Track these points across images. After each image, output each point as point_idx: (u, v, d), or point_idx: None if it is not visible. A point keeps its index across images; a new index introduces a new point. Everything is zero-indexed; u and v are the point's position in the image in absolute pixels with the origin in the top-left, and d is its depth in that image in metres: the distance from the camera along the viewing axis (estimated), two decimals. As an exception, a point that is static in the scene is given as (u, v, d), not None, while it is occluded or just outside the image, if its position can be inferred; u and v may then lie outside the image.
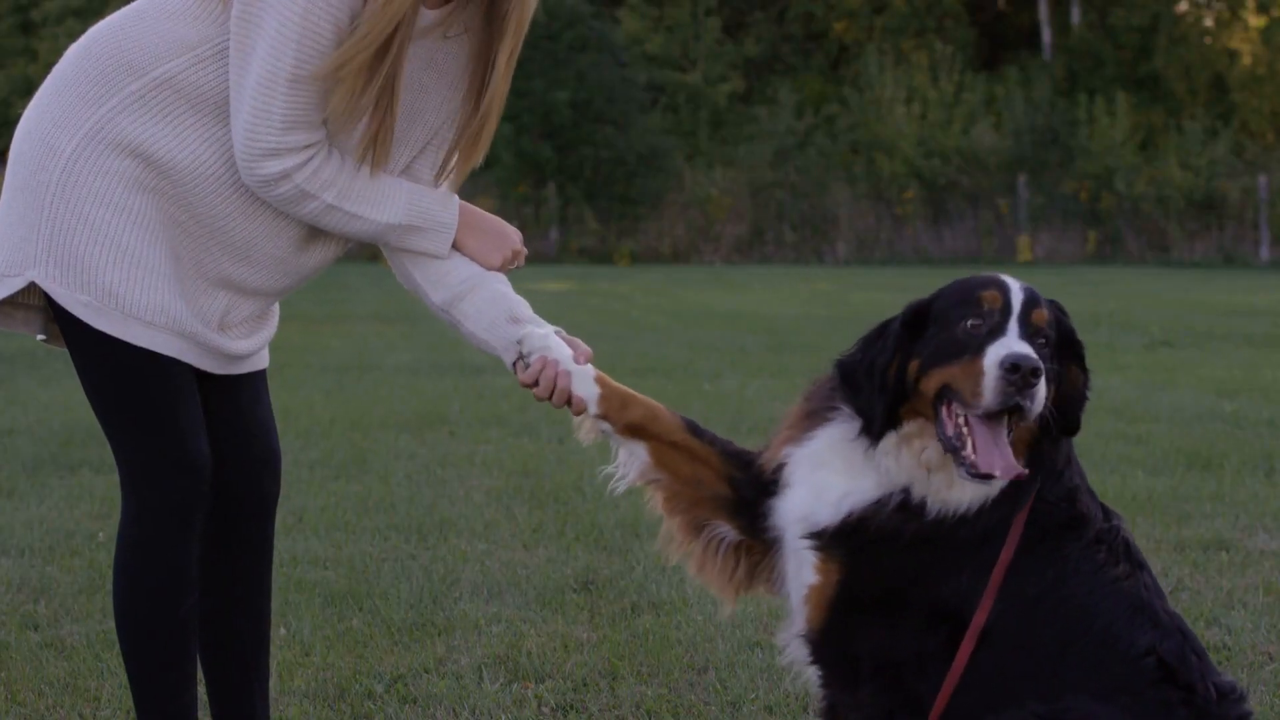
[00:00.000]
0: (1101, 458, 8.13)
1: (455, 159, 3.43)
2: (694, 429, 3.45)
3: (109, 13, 3.33)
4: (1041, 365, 3.00)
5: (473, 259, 3.43)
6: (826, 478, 3.23)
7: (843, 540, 3.16)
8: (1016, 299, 3.12)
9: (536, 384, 3.35)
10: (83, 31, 3.33)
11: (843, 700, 3.17)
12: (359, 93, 3.15)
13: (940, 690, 3.07)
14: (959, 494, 3.11)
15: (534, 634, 5.03)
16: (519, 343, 3.37)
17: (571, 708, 4.37)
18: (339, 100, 3.16)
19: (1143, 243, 36.13)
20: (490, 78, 3.35)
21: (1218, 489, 7.31)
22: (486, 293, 3.42)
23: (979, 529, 3.11)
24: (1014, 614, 3.07)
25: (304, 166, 3.18)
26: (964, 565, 3.10)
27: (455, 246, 3.41)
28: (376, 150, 3.26)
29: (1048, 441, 3.15)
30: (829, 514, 3.19)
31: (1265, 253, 35.09)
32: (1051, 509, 3.13)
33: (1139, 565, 3.16)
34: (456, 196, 3.43)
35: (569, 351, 3.37)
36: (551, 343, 3.36)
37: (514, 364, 3.41)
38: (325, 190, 3.22)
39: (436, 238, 3.38)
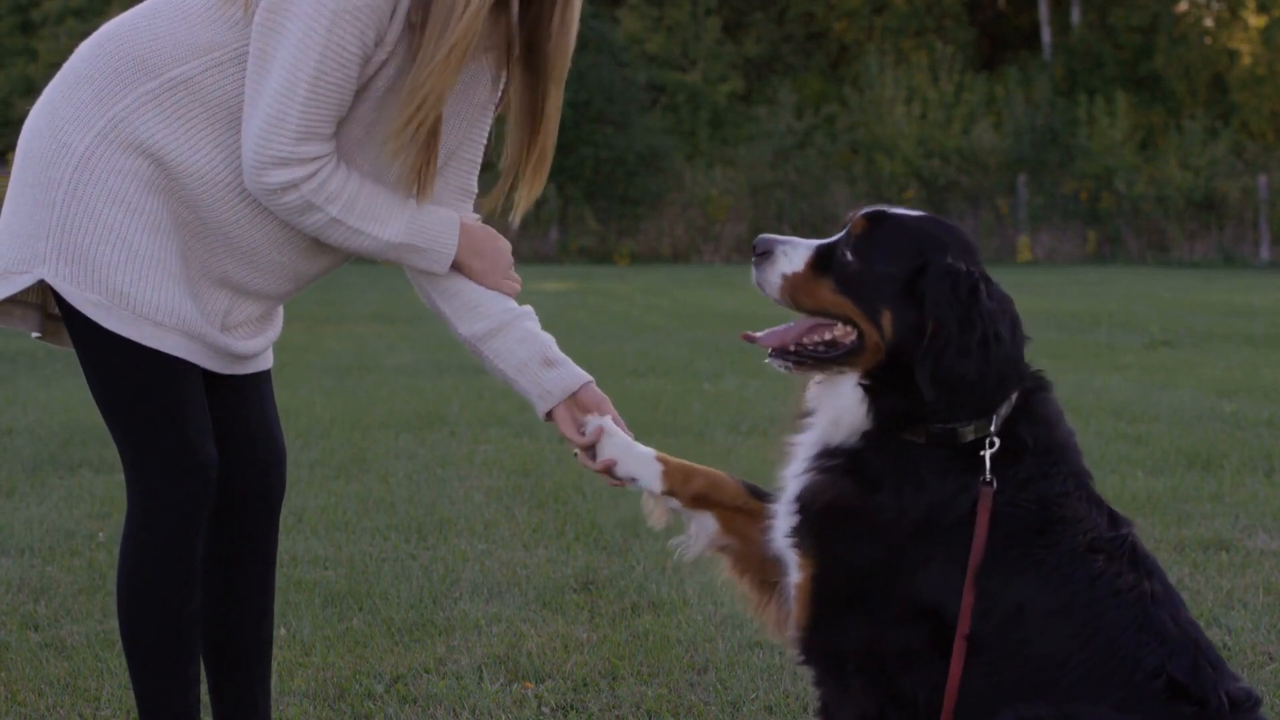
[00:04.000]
0: (1101, 458, 8.13)
1: (520, 186, 3.44)
2: (755, 492, 3.47)
3: (111, 12, 3.33)
4: (764, 240, 3.19)
5: (479, 283, 3.42)
6: (791, 472, 3.27)
7: (803, 527, 3.17)
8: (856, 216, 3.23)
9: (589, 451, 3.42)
10: (83, 31, 3.33)
11: (835, 698, 3.16)
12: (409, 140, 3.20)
13: (930, 693, 3.05)
14: (824, 422, 3.17)
15: (534, 634, 5.03)
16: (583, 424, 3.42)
17: (571, 708, 4.37)
18: (388, 153, 3.21)
19: (1143, 243, 36.14)
20: (544, 107, 3.37)
21: (1218, 489, 7.31)
22: (517, 332, 3.41)
23: (914, 503, 3.07)
24: (999, 623, 3.02)
25: (312, 178, 3.17)
26: (929, 555, 3.05)
27: (459, 268, 3.40)
28: (421, 183, 3.27)
29: (899, 388, 3.08)
30: (789, 505, 3.22)
31: (1265, 253, 35.09)
32: (1019, 513, 3.07)
33: (1146, 573, 3.08)
34: (458, 218, 3.40)
35: (626, 437, 3.40)
36: (608, 424, 3.41)
37: (546, 414, 3.43)
38: (330, 204, 3.21)
39: (436, 259, 3.37)
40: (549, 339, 3.45)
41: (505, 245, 3.47)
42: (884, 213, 3.21)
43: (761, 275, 3.21)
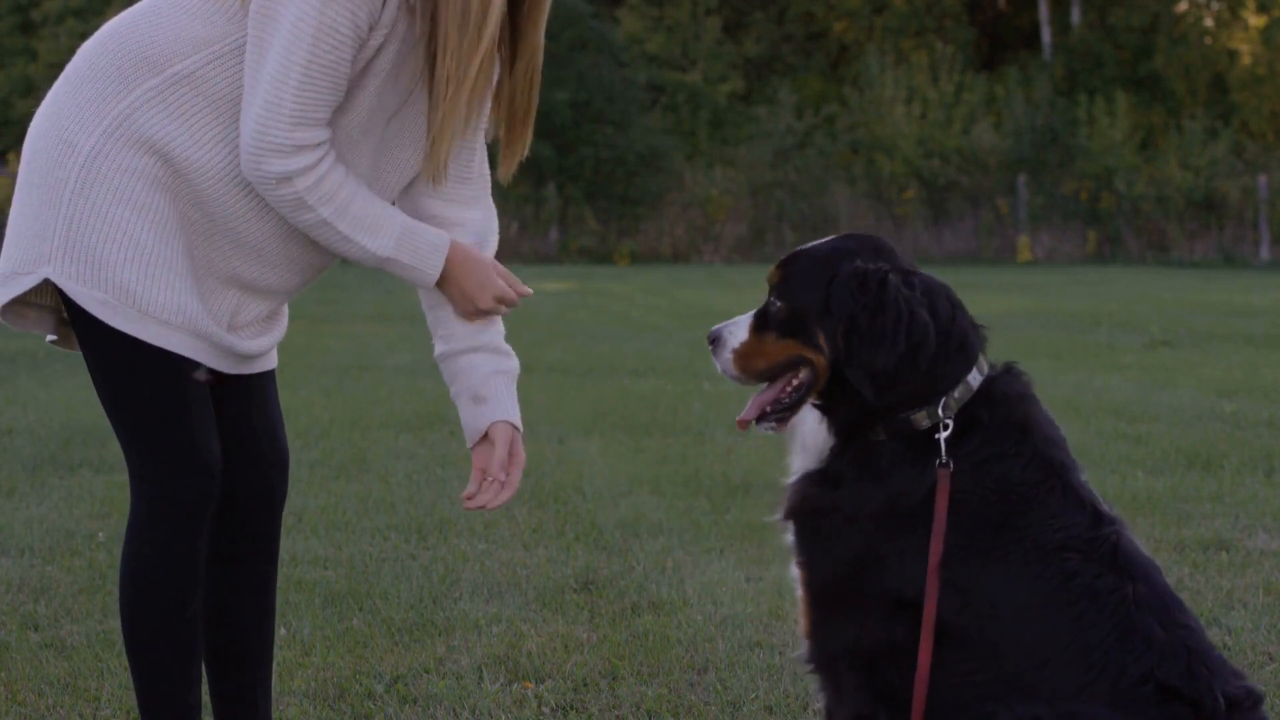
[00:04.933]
0: (1101, 458, 8.13)
1: (500, 142, 3.43)
2: None
3: (110, 12, 3.33)
4: (712, 331, 3.28)
5: (454, 308, 3.41)
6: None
7: (794, 538, 3.22)
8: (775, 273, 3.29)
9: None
10: (83, 31, 3.34)
11: (832, 700, 3.17)
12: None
13: (911, 689, 3.04)
14: (798, 450, 3.28)
15: (534, 634, 5.03)
16: None
17: (571, 708, 4.37)
18: (434, 151, 3.25)
19: (1143, 243, 36.15)
20: (515, 67, 3.35)
21: (1218, 489, 7.31)
22: (462, 362, 3.40)
23: (872, 494, 3.10)
24: (975, 618, 3.00)
25: (309, 172, 3.16)
26: (900, 547, 3.06)
27: (440, 289, 3.40)
28: (439, 171, 3.30)
29: (847, 397, 3.14)
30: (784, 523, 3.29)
31: (1265, 253, 35.10)
32: (978, 499, 3.05)
33: (1129, 576, 2.98)
34: (449, 240, 3.34)
35: None
36: None
37: (472, 447, 3.41)
38: (324, 205, 3.20)
39: (420, 276, 3.35)
40: (492, 370, 3.40)
41: (490, 274, 3.37)
42: (794, 253, 3.29)
43: (720, 361, 3.29)
